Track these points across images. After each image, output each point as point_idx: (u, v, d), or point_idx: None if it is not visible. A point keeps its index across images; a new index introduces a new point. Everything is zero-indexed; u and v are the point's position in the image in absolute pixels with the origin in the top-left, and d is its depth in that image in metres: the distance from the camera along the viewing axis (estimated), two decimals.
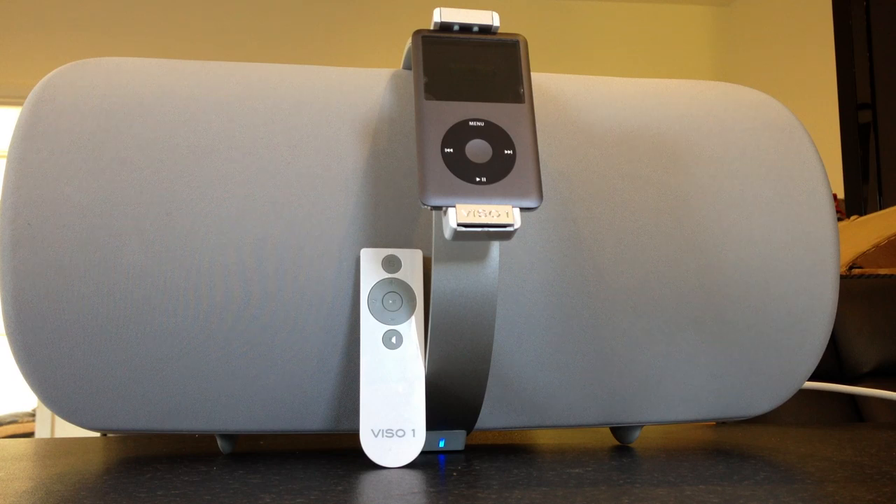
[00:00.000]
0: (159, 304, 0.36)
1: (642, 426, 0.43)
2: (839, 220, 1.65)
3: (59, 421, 2.45)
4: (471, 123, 0.32)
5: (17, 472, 0.35)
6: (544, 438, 0.49)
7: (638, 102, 0.43)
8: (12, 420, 2.97)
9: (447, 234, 0.30)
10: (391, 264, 0.36)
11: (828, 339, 0.42)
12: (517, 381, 0.39)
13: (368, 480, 0.31)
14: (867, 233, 1.33)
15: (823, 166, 0.43)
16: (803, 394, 0.94)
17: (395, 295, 0.36)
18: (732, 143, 0.42)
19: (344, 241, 0.37)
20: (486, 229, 0.30)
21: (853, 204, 2.37)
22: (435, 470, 0.34)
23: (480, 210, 0.30)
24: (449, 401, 0.37)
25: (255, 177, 0.37)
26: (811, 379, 0.86)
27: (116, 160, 0.36)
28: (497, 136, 0.32)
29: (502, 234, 0.30)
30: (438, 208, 0.31)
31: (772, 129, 0.43)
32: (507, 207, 0.30)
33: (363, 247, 0.37)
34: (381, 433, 0.35)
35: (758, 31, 3.24)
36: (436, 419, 0.38)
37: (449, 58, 0.34)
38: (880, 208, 2.18)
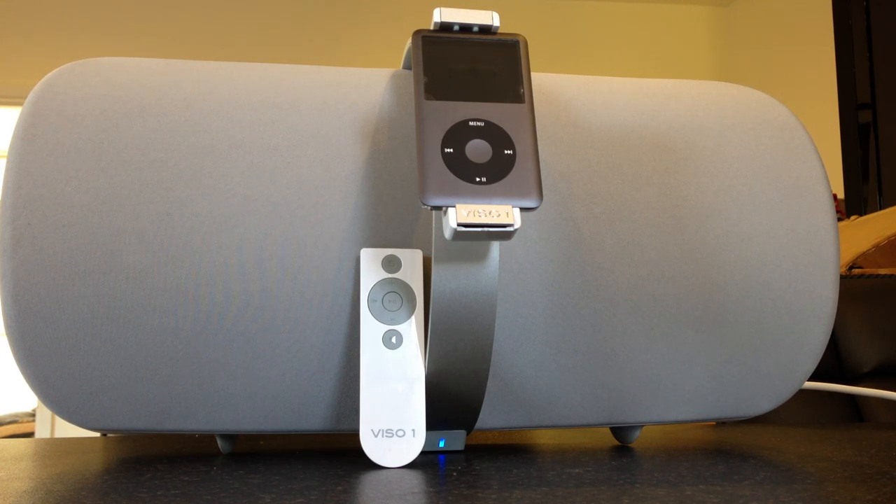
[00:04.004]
0: (159, 304, 0.36)
1: (642, 426, 0.43)
2: (839, 220, 1.65)
3: (59, 421, 2.45)
4: (471, 123, 0.32)
5: (17, 472, 0.35)
6: (544, 438, 0.49)
7: (638, 102, 0.43)
8: (12, 420, 2.97)
9: (447, 234, 0.30)
10: (391, 264, 0.36)
11: (828, 338, 0.42)
12: (517, 381, 0.39)
13: (368, 480, 0.31)
14: (867, 233, 1.33)
15: (823, 166, 0.43)
16: (803, 394, 0.94)
17: (395, 295, 0.36)
18: (732, 142, 0.42)
19: (344, 241, 0.37)
20: (486, 229, 0.30)
21: (853, 204, 2.37)
22: (435, 470, 0.34)
23: (480, 210, 0.30)
24: (449, 401, 0.37)
25: (255, 177, 0.37)
26: (811, 379, 0.86)
27: (116, 160, 0.36)
28: (497, 136, 0.32)
29: (502, 234, 0.30)
30: (438, 208, 0.31)
31: (772, 129, 0.43)
32: (507, 207, 0.30)
33: (363, 247, 0.37)
34: (381, 433, 0.35)
35: (758, 31, 3.24)
36: (436, 419, 0.38)
37: (449, 58, 0.34)
38: (880, 208, 2.18)
